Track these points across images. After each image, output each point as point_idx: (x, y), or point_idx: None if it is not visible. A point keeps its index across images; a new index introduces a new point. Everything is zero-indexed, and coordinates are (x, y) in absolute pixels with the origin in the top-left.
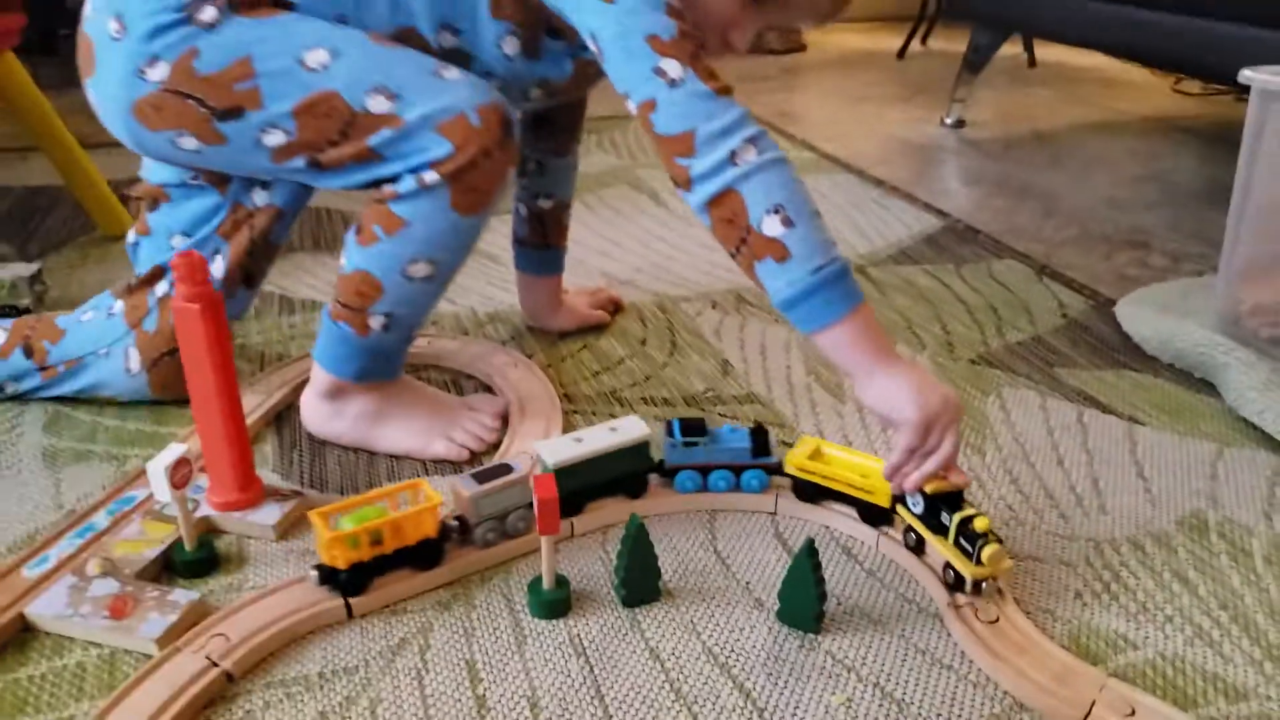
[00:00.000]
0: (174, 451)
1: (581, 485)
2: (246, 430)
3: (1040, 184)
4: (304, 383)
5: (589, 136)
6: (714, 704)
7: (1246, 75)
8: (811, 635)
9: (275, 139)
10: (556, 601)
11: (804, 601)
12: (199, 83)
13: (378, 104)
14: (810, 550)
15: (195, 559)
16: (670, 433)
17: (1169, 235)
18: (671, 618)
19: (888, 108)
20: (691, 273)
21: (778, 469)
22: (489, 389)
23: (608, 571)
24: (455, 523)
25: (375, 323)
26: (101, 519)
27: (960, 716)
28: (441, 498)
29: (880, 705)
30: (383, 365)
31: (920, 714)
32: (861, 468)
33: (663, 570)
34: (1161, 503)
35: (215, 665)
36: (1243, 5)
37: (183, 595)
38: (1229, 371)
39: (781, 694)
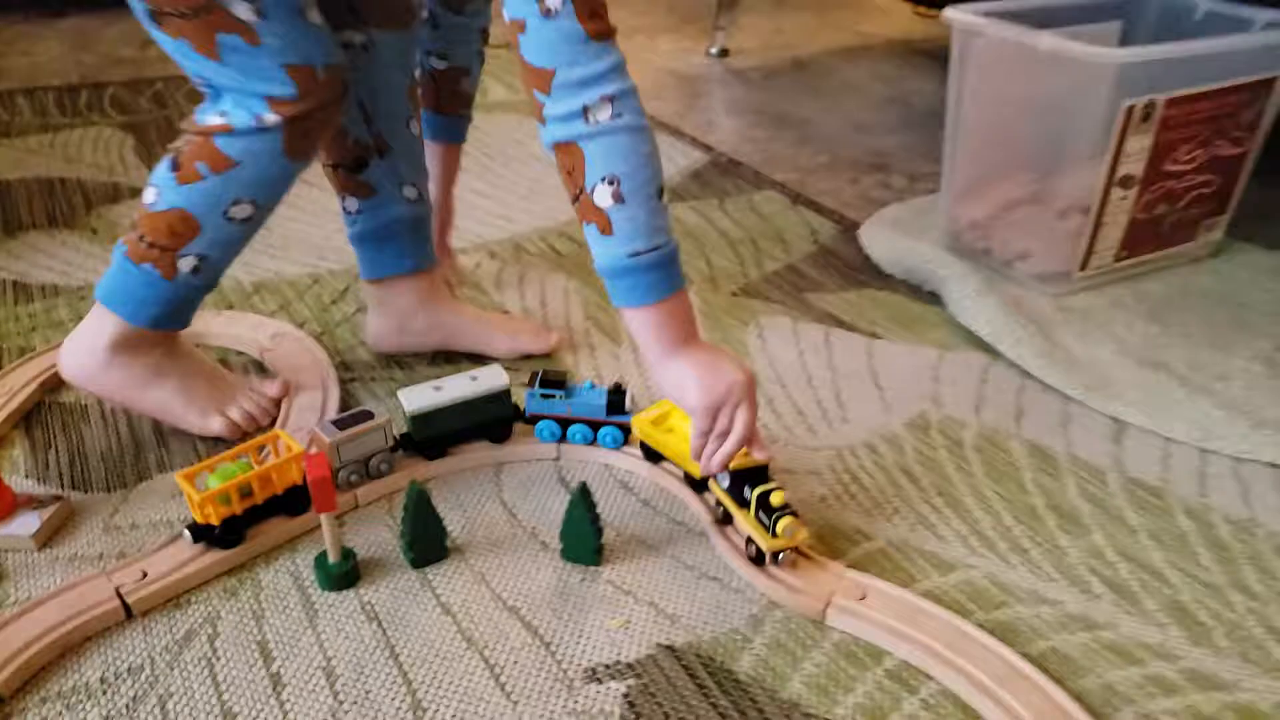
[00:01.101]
0: None
1: (441, 431)
2: None
3: (797, 112)
4: (57, 376)
5: None
6: (504, 645)
7: (948, 15)
8: (593, 568)
9: None
10: (344, 573)
11: (583, 539)
12: None
13: (242, 10)
14: (583, 492)
15: None
16: (531, 383)
17: (907, 157)
18: (460, 572)
19: (657, 38)
20: (468, 223)
21: (626, 430)
22: (260, 365)
23: (396, 537)
24: None
25: (185, 264)
26: None
27: (725, 621)
28: (303, 447)
29: (655, 621)
30: (180, 314)
31: (690, 624)
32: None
33: (451, 528)
34: (893, 408)
35: None
36: None
37: None
38: (949, 283)
39: (566, 626)
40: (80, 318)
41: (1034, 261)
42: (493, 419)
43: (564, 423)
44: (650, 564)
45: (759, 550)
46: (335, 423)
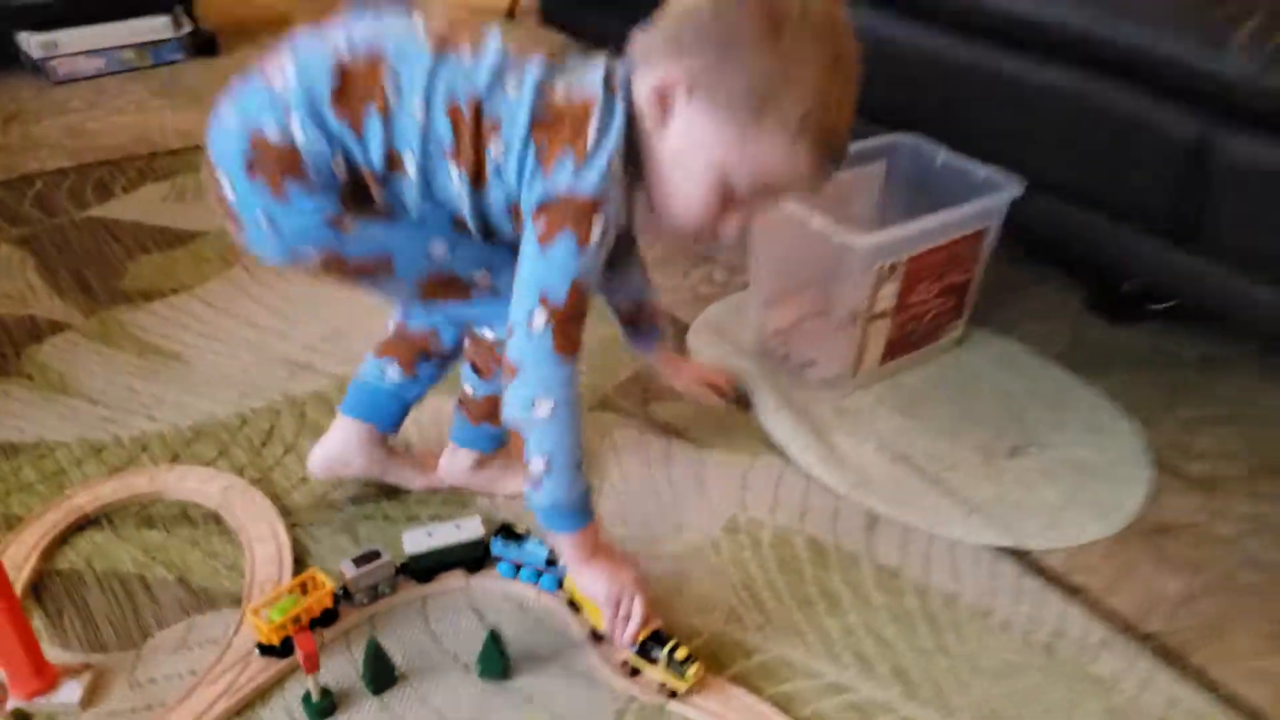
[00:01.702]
0: None
1: (432, 565)
2: (27, 622)
3: None
4: (51, 545)
5: None
6: None
7: None
8: (503, 681)
9: (402, 292)
10: (324, 706)
11: (494, 663)
12: (345, 263)
13: (482, 277)
14: (494, 636)
15: None
16: (496, 534)
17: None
18: (409, 695)
19: None
20: (362, 344)
21: (560, 579)
22: (218, 518)
23: (357, 670)
24: (342, 592)
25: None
26: None
27: (599, 714)
28: (332, 583)
29: None
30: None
31: (573, 718)
32: None
33: (395, 658)
34: (715, 514)
35: None
36: None
37: None
38: (756, 394)
39: None
40: (45, 476)
41: (820, 368)
42: (470, 557)
43: (517, 565)
44: (543, 672)
45: (672, 691)
46: (354, 561)
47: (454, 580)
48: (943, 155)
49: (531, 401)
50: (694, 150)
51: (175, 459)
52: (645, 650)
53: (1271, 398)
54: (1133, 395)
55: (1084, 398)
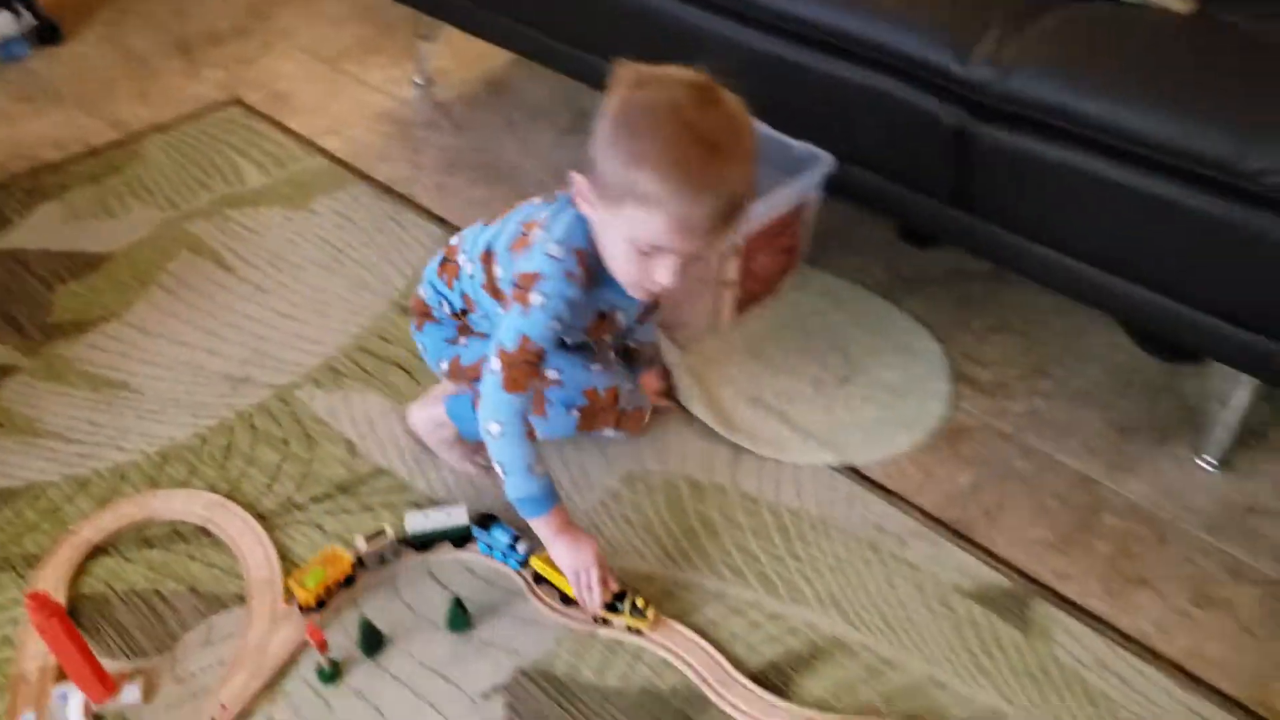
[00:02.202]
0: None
1: (430, 540)
2: (90, 650)
3: (504, 157)
4: (74, 575)
5: (120, 185)
6: (434, 689)
7: None
8: (468, 632)
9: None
10: (333, 673)
11: (460, 620)
12: (464, 368)
13: (552, 373)
14: (458, 601)
15: None
16: (474, 521)
17: None
18: (397, 653)
19: (366, 64)
20: (287, 352)
21: (526, 556)
22: (205, 531)
23: (352, 640)
24: (358, 561)
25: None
26: None
27: (544, 645)
28: (350, 556)
29: (509, 655)
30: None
31: (527, 652)
32: None
33: (381, 626)
34: (614, 468)
35: None
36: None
37: None
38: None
39: (463, 670)
40: (45, 515)
41: (687, 327)
42: (457, 536)
43: (490, 545)
44: (499, 620)
45: (640, 631)
46: (366, 539)
47: (444, 552)
48: (763, 129)
49: (485, 423)
50: (604, 228)
51: (153, 484)
52: (611, 606)
53: (1046, 303)
54: (937, 314)
55: (897, 322)
